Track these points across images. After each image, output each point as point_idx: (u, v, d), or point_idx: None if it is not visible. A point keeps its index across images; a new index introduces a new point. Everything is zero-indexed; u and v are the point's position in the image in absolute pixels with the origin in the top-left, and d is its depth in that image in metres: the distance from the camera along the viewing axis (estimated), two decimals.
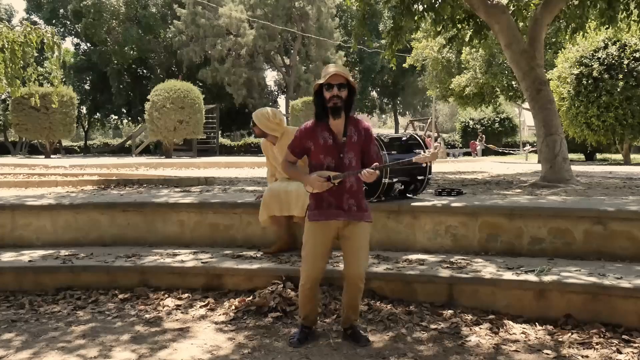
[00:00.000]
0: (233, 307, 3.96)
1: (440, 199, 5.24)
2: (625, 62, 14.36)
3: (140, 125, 32.18)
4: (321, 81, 3.23)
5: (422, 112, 48.69)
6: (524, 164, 17.60)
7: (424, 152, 5.13)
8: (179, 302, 4.14)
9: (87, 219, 5.40)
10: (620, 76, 14.35)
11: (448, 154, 26.97)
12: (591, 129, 15.30)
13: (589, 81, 14.74)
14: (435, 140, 26.45)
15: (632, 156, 18.98)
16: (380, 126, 70.28)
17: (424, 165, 4.95)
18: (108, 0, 34.11)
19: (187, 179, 8.90)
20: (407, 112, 50.16)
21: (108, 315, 3.93)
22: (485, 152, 27.81)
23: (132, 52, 34.93)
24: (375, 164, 3.21)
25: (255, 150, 37.30)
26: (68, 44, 43.39)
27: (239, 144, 38.93)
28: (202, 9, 33.64)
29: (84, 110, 41.04)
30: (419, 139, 5.16)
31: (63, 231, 5.40)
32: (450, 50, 20.01)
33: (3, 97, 30.76)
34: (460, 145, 33.02)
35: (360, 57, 39.45)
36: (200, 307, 4.04)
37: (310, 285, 3.31)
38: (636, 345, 3.22)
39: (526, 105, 21.45)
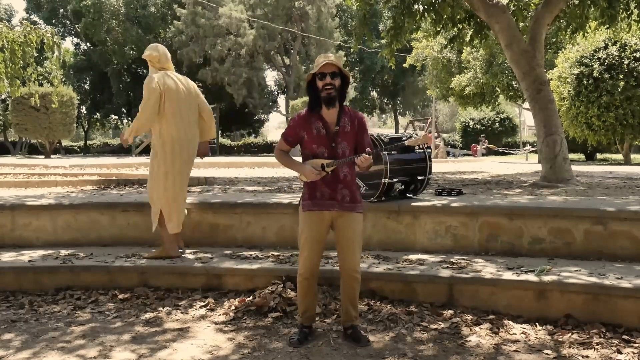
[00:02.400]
0: (233, 307, 3.95)
1: (440, 199, 5.24)
2: (626, 62, 14.34)
3: None
4: (314, 71, 3.24)
5: (422, 112, 48.67)
6: (524, 164, 17.59)
7: (424, 150, 5.14)
8: (179, 302, 4.14)
9: (87, 219, 5.40)
10: (621, 76, 14.33)
11: (448, 154, 26.94)
12: (591, 129, 15.28)
13: (590, 81, 14.72)
14: (436, 139, 26.39)
15: (632, 156, 18.97)
16: (381, 126, 70.23)
17: (418, 147, 4.94)
18: (108, 0, 34.10)
19: None
20: (407, 112, 50.15)
21: (108, 315, 3.93)
22: (486, 153, 27.78)
23: (132, 52, 34.93)
24: (368, 149, 3.24)
25: (255, 150, 37.35)
26: (68, 43, 43.37)
27: (239, 144, 38.96)
28: (202, 9, 33.62)
29: (83, 110, 41.05)
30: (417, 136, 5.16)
31: (63, 231, 5.40)
32: (451, 50, 20.00)
33: (3, 97, 30.75)
34: (461, 145, 32.99)
35: (360, 57, 39.44)
36: (200, 307, 4.04)
37: (308, 275, 3.32)
38: (636, 345, 3.22)
39: (526, 105, 21.44)
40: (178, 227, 4.69)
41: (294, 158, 3.45)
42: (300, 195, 3.45)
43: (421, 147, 5.12)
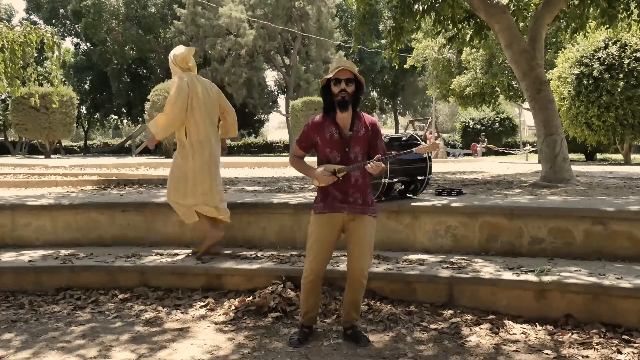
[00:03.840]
0: (233, 307, 3.95)
1: (440, 199, 5.24)
2: (626, 61, 14.34)
3: (140, 125, 32.17)
4: (329, 76, 3.26)
5: (422, 112, 48.67)
6: (524, 164, 17.60)
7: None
8: (179, 302, 4.14)
9: (87, 219, 5.40)
10: (621, 76, 14.32)
11: (448, 154, 26.95)
12: (591, 129, 15.28)
13: (590, 81, 14.72)
14: (435, 139, 26.38)
15: (632, 156, 18.96)
16: (381, 126, 70.00)
17: (424, 156, 4.96)
18: (108, 0, 34.10)
19: None
20: (407, 112, 50.17)
21: (108, 315, 3.93)
22: (486, 152, 27.81)
23: (132, 52, 34.92)
24: (378, 155, 3.26)
25: (255, 150, 37.37)
26: (68, 44, 43.51)
27: (239, 144, 38.95)
28: (202, 9, 33.63)
29: (84, 110, 41.06)
30: (419, 139, 5.17)
31: (63, 231, 5.40)
32: (451, 51, 20.02)
33: (3, 97, 30.75)
34: (461, 145, 33.00)
35: (360, 57, 39.46)
36: (200, 307, 4.04)
37: (312, 277, 3.32)
38: (636, 345, 3.22)
39: (526, 105, 21.44)
40: (213, 212, 4.70)
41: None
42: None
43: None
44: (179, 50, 4.79)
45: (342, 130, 3.30)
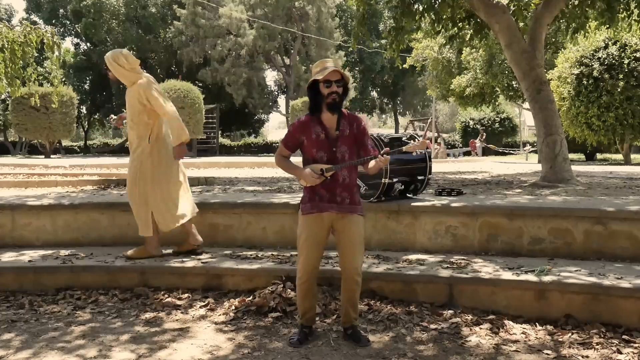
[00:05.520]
0: (233, 307, 3.96)
1: (440, 199, 5.24)
2: (626, 62, 14.33)
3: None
4: (319, 77, 3.25)
5: (422, 112, 48.64)
6: (524, 164, 17.59)
7: (424, 151, 5.14)
8: (179, 302, 4.14)
9: (87, 219, 5.40)
10: (621, 76, 14.31)
11: (448, 154, 26.91)
12: (591, 129, 15.28)
13: (590, 81, 14.71)
14: (436, 140, 26.33)
15: (632, 156, 18.94)
16: (380, 126, 70.17)
17: (419, 152, 4.96)
18: (108, 0, 34.10)
19: None
20: (407, 112, 50.14)
21: (108, 315, 3.94)
22: (486, 152, 27.79)
23: (132, 52, 34.83)
24: (386, 149, 3.27)
25: (255, 150, 37.36)
26: (68, 43, 43.32)
27: (239, 144, 38.97)
28: (202, 9, 33.60)
29: (84, 110, 41.02)
30: (418, 138, 5.16)
31: (63, 231, 5.40)
32: (451, 51, 20.02)
33: (3, 97, 30.73)
34: (461, 145, 32.99)
35: (360, 57, 39.43)
36: (200, 307, 4.04)
37: (306, 278, 3.33)
38: (636, 345, 3.22)
39: (526, 105, 21.44)
40: (171, 225, 4.74)
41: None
42: (301, 196, 3.46)
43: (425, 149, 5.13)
44: (122, 52, 4.68)
45: (328, 131, 3.31)
